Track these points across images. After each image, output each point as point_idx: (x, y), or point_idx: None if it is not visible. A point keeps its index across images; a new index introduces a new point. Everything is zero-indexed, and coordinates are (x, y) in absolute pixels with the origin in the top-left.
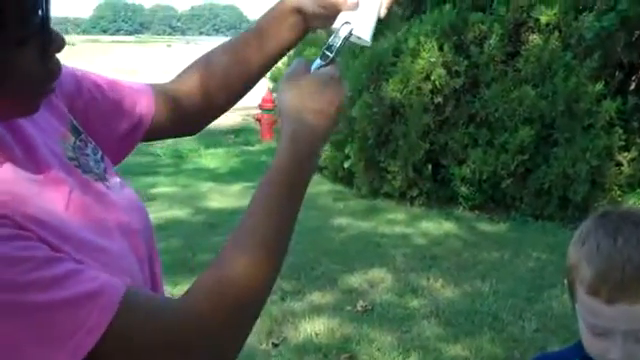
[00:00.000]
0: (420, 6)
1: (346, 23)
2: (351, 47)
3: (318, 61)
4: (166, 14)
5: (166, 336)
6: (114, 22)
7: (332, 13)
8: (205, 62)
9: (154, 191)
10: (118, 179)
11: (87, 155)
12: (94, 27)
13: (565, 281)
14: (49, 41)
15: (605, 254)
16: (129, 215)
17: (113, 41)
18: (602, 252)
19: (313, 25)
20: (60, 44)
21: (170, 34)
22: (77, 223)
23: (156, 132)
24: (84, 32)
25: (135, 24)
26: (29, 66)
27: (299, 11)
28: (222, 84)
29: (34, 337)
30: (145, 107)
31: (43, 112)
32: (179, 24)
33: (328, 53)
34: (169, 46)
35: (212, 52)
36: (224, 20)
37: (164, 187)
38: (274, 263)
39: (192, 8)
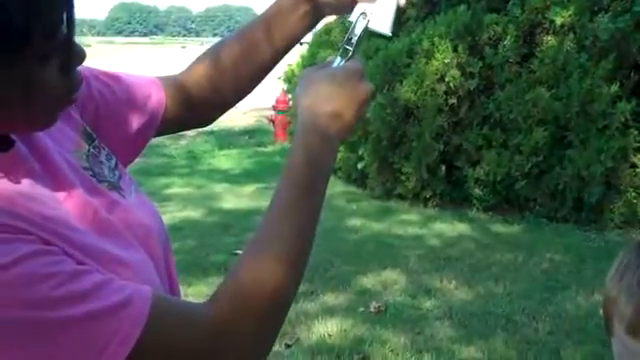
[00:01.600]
0: (434, 7)
1: (363, 14)
2: (365, 50)
3: (339, 58)
4: (180, 15)
5: (195, 343)
6: (129, 24)
7: (346, 2)
8: (214, 53)
9: (168, 192)
10: (132, 185)
11: (101, 163)
12: (109, 29)
13: (601, 311)
14: (72, 55)
15: None
16: (145, 223)
17: (128, 42)
18: None
19: (325, 14)
20: (82, 57)
21: (185, 35)
22: (96, 236)
23: (168, 126)
24: (99, 34)
25: (150, 26)
26: (51, 81)
27: (311, 0)
28: (231, 75)
29: (67, 352)
30: (156, 102)
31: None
32: (193, 25)
33: (349, 48)
34: (184, 47)
35: (221, 43)
36: (238, 21)
37: (178, 188)
38: (295, 264)
39: (207, 9)
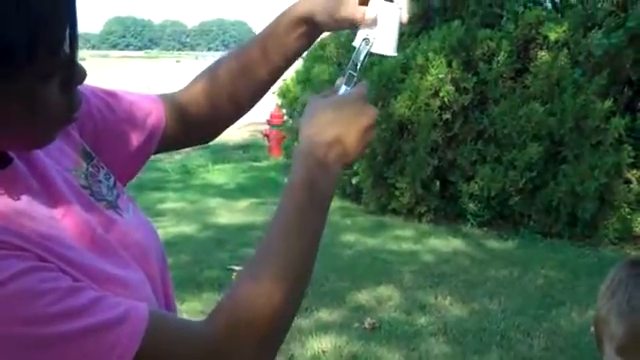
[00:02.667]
0: (428, 22)
1: (365, 40)
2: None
3: (344, 86)
4: (175, 29)
5: (192, 359)
6: (123, 37)
7: (345, 25)
8: (211, 72)
9: (162, 207)
10: (130, 204)
11: (100, 182)
12: (104, 42)
13: (592, 329)
14: (73, 74)
15: (637, 309)
16: (142, 242)
17: (122, 56)
18: (634, 307)
19: (323, 32)
20: (82, 76)
21: (179, 50)
22: (93, 255)
23: (168, 143)
24: (94, 47)
25: (144, 39)
26: (52, 98)
27: (309, 21)
28: (229, 94)
29: None
30: (155, 119)
31: (56, 140)
32: (188, 40)
33: (353, 74)
34: (178, 62)
35: (219, 61)
36: (233, 36)
37: (172, 203)
38: (293, 286)
39: (201, 24)
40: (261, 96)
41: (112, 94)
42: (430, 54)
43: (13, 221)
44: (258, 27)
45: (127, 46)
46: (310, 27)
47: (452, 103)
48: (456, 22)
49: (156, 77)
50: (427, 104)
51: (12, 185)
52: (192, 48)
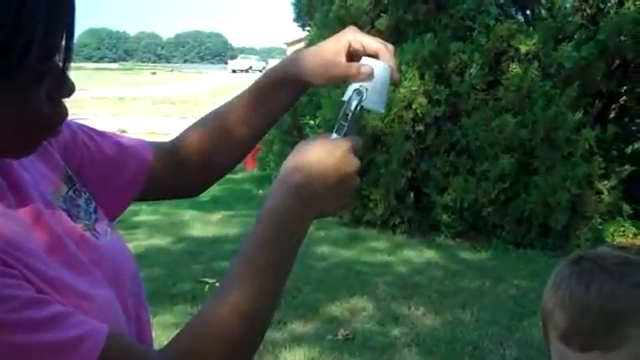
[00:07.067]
0: (401, 35)
1: (357, 91)
2: None
3: (334, 134)
4: (150, 41)
5: None
6: (98, 49)
7: (336, 81)
8: (207, 122)
9: (136, 219)
10: (109, 230)
11: (79, 206)
12: (77, 54)
13: (540, 323)
14: (62, 84)
15: (577, 303)
16: (116, 265)
17: (97, 68)
18: (575, 300)
19: (312, 87)
20: (71, 90)
21: (155, 62)
22: (62, 268)
23: (153, 190)
24: None
25: (119, 51)
26: (38, 104)
27: (298, 80)
28: (224, 144)
29: None
30: (142, 161)
31: (36, 161)
32: (163, 52)
33: (344, 123)
34: (153, 74)
35: (214, 113)
36: (209, 47)
37: (146, 215)
38: (254, 317)
39: (177, 35)
40: (253, 146)
41: (99, 132)
42: (403, 67)
43: None
44: (234, 39)
45: (102, 58)
46: (298, 85)
47: (425, 115)
48: (428, 35)
49: (132, 89)
50: (400, 116)
51: None
52: (168, 60)
